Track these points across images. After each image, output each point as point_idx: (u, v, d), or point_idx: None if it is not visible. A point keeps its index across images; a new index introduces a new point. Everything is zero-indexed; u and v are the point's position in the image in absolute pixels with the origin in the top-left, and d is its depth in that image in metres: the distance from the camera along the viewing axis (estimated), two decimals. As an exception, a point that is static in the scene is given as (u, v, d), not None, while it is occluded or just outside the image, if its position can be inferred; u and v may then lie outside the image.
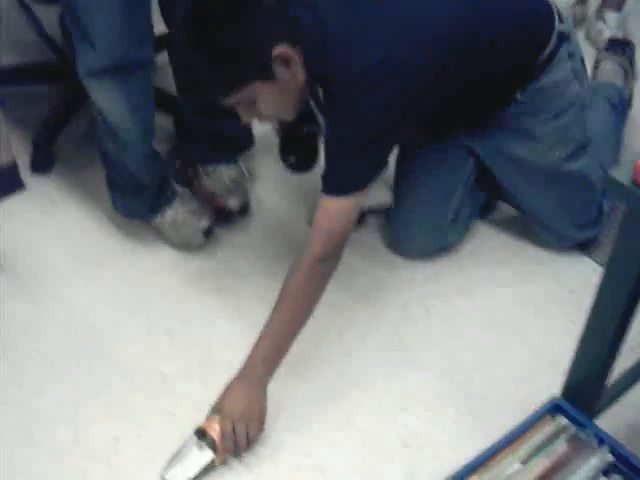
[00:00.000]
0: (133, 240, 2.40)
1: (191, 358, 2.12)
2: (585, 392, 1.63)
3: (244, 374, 1.93)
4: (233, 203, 2.41)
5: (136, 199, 2.34)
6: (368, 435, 1.97)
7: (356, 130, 1.84)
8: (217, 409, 1.91)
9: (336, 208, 1.89)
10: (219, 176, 2.44)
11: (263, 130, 2.65)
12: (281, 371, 1.96)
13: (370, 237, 2.40)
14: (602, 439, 1.56)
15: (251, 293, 2.26)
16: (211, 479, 1.89)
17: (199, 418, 1.97)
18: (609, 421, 1.78)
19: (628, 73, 2.63)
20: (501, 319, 2.21)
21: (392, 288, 2.27)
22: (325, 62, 1.83)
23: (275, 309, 1.92)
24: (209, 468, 1.89)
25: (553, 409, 1.61)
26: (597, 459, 1.53)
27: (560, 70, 2.10)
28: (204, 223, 2.34)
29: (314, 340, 2.09)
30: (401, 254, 2.36)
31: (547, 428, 1.58)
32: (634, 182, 1.32)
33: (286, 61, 1.79)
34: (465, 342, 2.16)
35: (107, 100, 2.11)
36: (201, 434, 1.89)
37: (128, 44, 2.03)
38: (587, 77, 2.26)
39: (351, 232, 1.93)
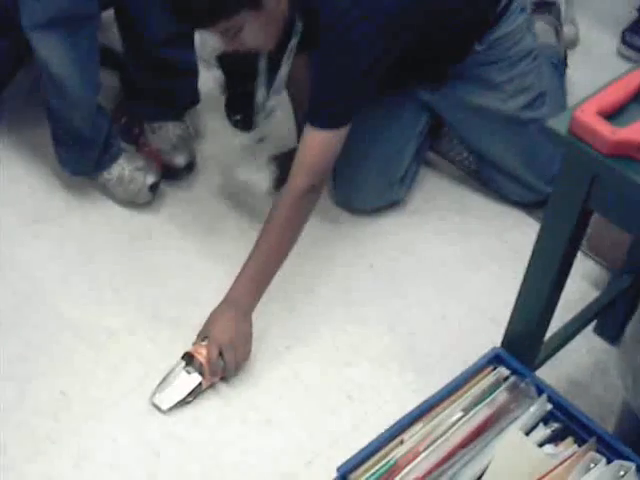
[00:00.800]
0: (79, 196, 2.38)
1: (137, 314, 2.12)
2: (524, 344, 1.66)
3: (229, 301, 1.98)
4: (179, 160, 2.41)
5: (82, 155, 2.32)
6: (313, 389, 2.00)
7: (343, 63, 1.88)
8: (203, 335, 1.96)
9: (322, 140, 1.93)
10: (165, 133, 2.43)
11: (209, 87, 2.66)
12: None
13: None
14: (541, 389, 1.60)
15: (197, 249, 2.27)
16: (198, 402, 1.95)
17: (145, 373, 2.00)
18: (548, 373, 1.82)
19: (559, 31, 2.66)
20: (445, 276, 2.25)
21: (337, 245, 2.29)
22: None
23: (260, 239, 1.97)
24: (197, 391, 1.94)
25: (494, 360, 1.64)
26: (536, 408, 1.56)
27: (514, 21, 2.17)
28: (150, 179, 2.33)
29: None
30: (348, 209, 2.37)
31: (488, 378, 1.60)
32: (571, 132, 1.35)
33: None
34: (409, 298, 2.19)
35: (52, 53, 2.10)
36: (189, 359, 1.94)
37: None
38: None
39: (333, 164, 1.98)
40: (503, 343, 1.69)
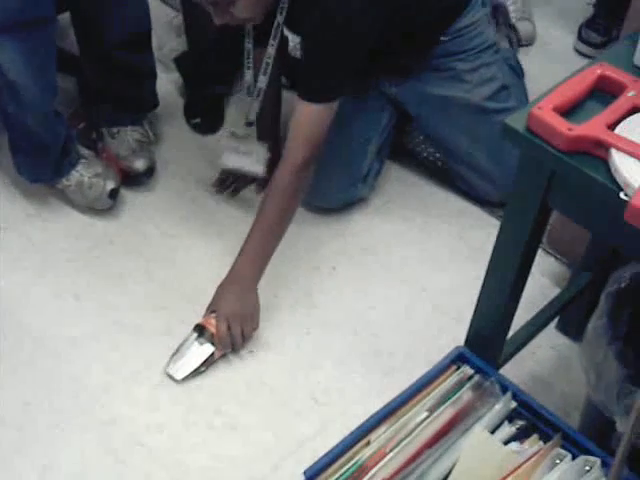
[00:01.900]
0: (38, 204, 2.37)
1: (100, 321, 2.11)
2: (487, 342, 1.66)
3: (234, 275, 2.04)
4: (139, 165, 2.39)
5: (40, 162, 2.30)
6: (279, 392, 1.99)
7: (333, 38, 1.93)
8: (212, 310, 2.03)
9: (315, 114, 1.98)
10: (124, 138, 2.41)
11: (167, 90, 2.64)
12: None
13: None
14: (505, 387, 1.60)
15: (158, 255, 2.26)
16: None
17: (110, 380, 1.99)
18: (512, 371, 1.83)
19: (511, 38, 2.64)
20: (407, 276, 2.25)
21: (299, 247, 2.28)
22: None
23: (261, 213, 2.01)
24: (210, 361, 2.00)
25: (457, 359, 1.64)
26: (501, 406, 1.57)
27: (475, 14, 2.22)
28: (110, 185, 2.31)
29: (223, 300, 2.11)
30: (311, 207, 2.36)
31: (452, 377, 1.61)
32: (528, 129, 1.36)
33: None
34: (372, 300, 2.20)
35: (7, 58, 2.07)
36: (200, 330, 2.01)
37: (26, 1, 2.00)
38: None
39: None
40: (466, 342, 1.70)
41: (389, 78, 2.32)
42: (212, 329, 2.00)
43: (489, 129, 2.26)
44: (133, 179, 2.41)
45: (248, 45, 2.15)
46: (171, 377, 1.99)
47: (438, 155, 2.47)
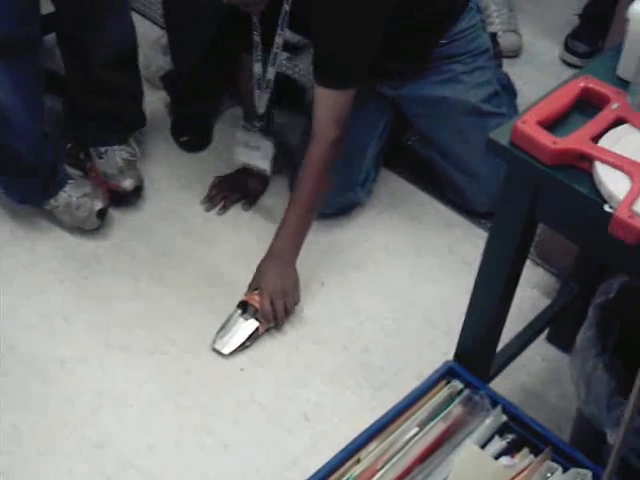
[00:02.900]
0: (26, 225, 2.36)
1: (89, 342, 2.10)
2: (477, 356, 1.66)
3: (274, 253, 2.13)
4: (126, 184, 2.39)
5: (27, 184, 2.29)
6: (269, 410, 1.99)
7: (346, 22, 1.96)
8: (254, 287, 2.11)
9: (338, 97, 2.04)
10: (111, 157, 2.40)
11: (155, 108, 2.64)
12: (184, 348, 2.01)
13: (273, 204, 2.42)
14: (496, 401, 1.59)
15: (147, 274, 2.25)
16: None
17: (100, 402, 1.97)
18: (503, 384, 1.83)
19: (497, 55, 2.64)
20: (396, 290, 2.25)
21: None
22: None
23: (297, 191, 2.12)
24: (254, 336, 2.08)
25: (447, 373, 1.63)
26: (491, 420, 1.56)
27: (472, 19, 2.26)
28: (98, 205, 2.30)
29: (212, 317, 2.11)
30: None
31: (442, 392, 1.60)
32: (513, 143, 1.36)
33: None
34: (362, 314, 2.19)
35: (-7, 80, 2.08)
36: (243, 307, 2.10)
37: (12, 22, 2.00)
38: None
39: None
40: (456, 356, 1.69)
41: (389, 82, 2.33)
42: (256, 305, 2.08)
43: (482, 131, 2.25)
44: (121, 198, 2.40)
45: (256, 38, 2.17)
46: (218, 352, 2.05)
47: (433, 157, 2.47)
